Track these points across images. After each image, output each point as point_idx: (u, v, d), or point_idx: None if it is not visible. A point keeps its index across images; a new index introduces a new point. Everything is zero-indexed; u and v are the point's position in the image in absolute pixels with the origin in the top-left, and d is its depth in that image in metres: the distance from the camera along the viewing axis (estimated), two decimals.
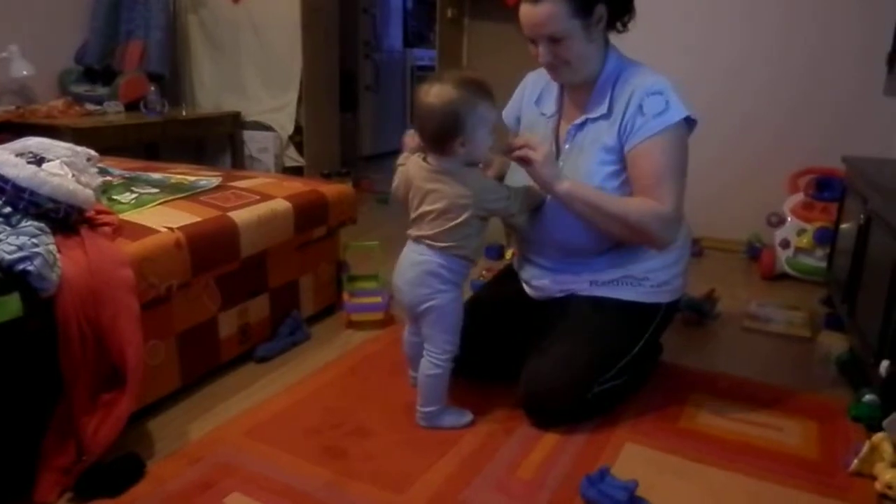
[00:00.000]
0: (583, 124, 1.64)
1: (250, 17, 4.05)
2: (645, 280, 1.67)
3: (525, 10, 1.53)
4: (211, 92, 4.27)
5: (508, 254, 2.76)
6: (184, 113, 3.97)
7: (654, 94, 1.55)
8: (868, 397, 1.66)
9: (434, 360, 1.57)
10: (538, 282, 1.76)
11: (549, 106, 1.75)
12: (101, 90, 3.71)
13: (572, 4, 1.50)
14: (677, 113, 1.53)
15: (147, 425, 1.60)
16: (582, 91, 1.65)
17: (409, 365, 1.75)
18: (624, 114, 1.57)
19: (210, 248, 1.73)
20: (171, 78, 4.08)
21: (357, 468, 1.46)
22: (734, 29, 3.01)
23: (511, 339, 1.77)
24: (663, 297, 1.70)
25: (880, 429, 1.48)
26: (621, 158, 1.59)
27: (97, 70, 3.80)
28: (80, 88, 3.73)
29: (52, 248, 1.37)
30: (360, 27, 5.43)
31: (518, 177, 1.74)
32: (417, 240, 1.56)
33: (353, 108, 5.42)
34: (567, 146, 1.67)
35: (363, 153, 5.61)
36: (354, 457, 1.50)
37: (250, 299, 1.96)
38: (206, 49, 4.23)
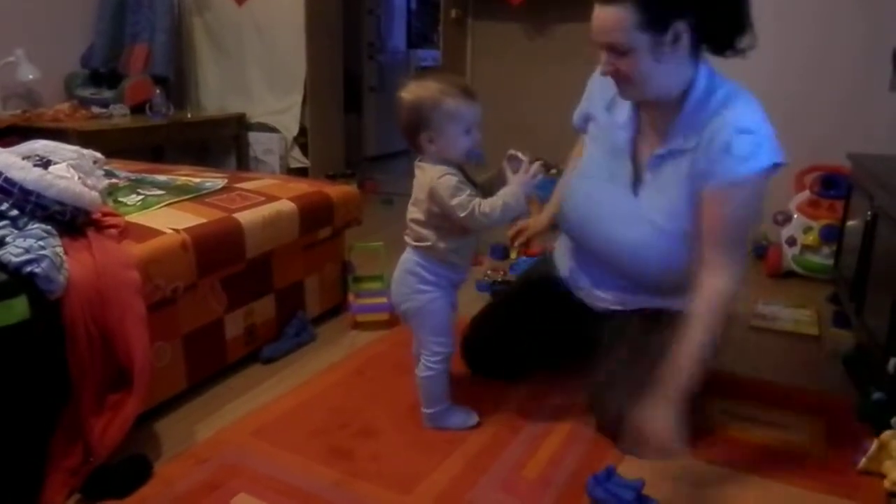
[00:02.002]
0: (666, 155, 1.48)
1: (254, 19, 4.06)
2: None
3: (595, 12, 1.38)
4: (216, 94, 4.29)
5: (513, 254, 2.75)
6: (189, 115, 3.98)
7: (744, 132, 1.36)
8: (876, 395, 1.64)
9: (426, 362, 1.57)
10: (600, 293, 1.68)
11: (623, 116, 1.57)
12: (107, 93, 3.73)
13: (643, 15, 1.31)
14: (766, 158, 1.36)
15: (154, 426, 1.60)
16: (662, 114, 1.48)
17: (416, 365, 1.75)
18: (709, 148, 1.40)
19: (215, 250, 1.73)
20: (176, 81, 4.09)
21: (363, 468, 1.46)
22: None
23: (534, 339, 1.77)
24: None
25: (888, 426, 1.48)
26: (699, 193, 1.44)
27: (103, 73, 3.82)
28: (86, 92, 3.75)
29: (59, 250, 1.37)
30: (364, 28, 5.44)
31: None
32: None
33: (357, 109, 5.43)
34: (649, 176, 1.52)
35: (368, 154, 5.61)
36: (361, 457, 1.50)
37: (256, 300, 1.97)
38: (210, 52, 4.24)
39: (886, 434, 1.44)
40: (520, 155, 1.47)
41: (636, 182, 1.55)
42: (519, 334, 1.78)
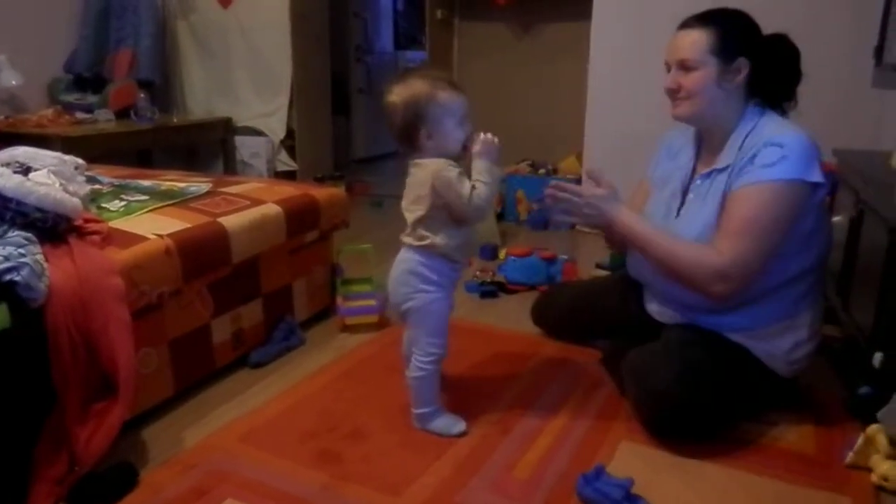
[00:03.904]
0: (709, 174, 1.61)
1: (240, 22, 4.05)
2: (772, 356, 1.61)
3: (676, 33, 1.59)
4: (202, 98, 4.27)
5: (502, 254, 2.75)
6: (175, 119, 3.97)
7: (773, 144, 1.47)
8: (863, 389, 1.65)
9: (418, 363, 1.56)
10: (662, 311, 1.75)
11: (685, 157, 1.73)
12: (92, 98, 3.71)
13: (717, 42, 1.52)
14: (787, 171, 1.44)
15: (141, 433, 1.59)
16: (716, 143, 1.62)
17: (406, 365, 1.75)
18: (742, 162, 1.52)
19: (201, 255, 1.72)
20: (161, 84, 4.08)
21: (353, 471, 1.45)
22: None
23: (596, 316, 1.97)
24: (784, 371, 1.63)
25: (875, 421, 1.48)
26: None
27: (87, 78, 3.79)
28: (70, 97, 3.72)
29: (40, 257, 1.36)
30: (351, 30, 5.43)
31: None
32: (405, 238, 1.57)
33: (345, 111, 5.42)
34: (691, 196, 1.64)
35: (356, 156, 5.60)
36: (350, 460, 1.49)
37: (243, 305, 1.96)
38: (196, 55, 4.23)
39: (873, 428, 1.44)
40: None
41: (681, 207, 1.67)
42: (584, 308, 2.02)
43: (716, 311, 1.58)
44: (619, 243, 1.79)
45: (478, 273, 2.66)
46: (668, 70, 1.60)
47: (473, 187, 1.46)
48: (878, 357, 1.56)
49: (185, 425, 1.64)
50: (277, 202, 2.04)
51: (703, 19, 1.56)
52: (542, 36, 4.01)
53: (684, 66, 1.55)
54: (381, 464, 1.48)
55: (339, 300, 2.26)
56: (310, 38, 4.13)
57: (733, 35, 1.54)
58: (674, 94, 1.59)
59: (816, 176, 1.47)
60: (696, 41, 1.53)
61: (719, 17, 1.56)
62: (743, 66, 1.54)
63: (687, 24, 1.58)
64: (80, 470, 1.34)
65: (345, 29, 5.33)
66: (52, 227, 1.49)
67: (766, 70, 1.56)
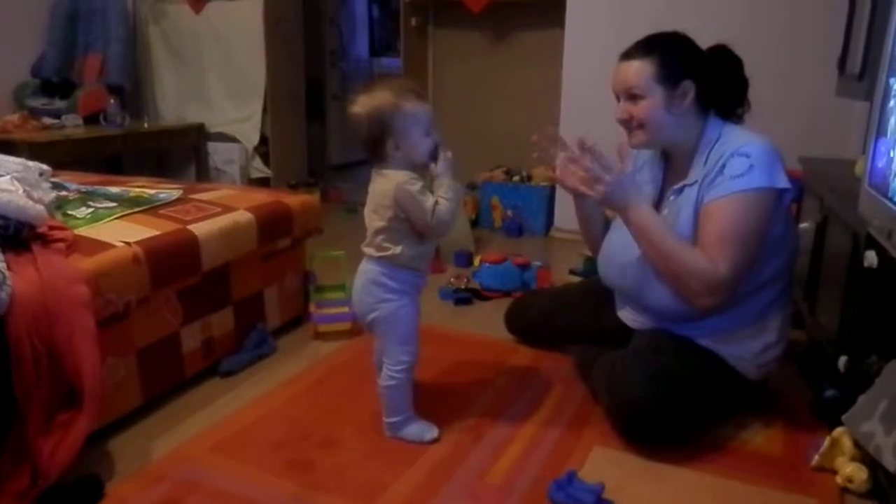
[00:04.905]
0: (680, 190, 1.62)
1: (212, 27, 4.01)
2: (742, 360, 1.64)
3: (617, 65, 1.60)
4: (174, 103, 4.22)
5: (476, 261, 2.76)
6: (146, 125, 3.91)
7: (740, 155, 1.50)
8: (829, 393, 1.68)
9: (389, 372, 1.55)
10: (634, 317, 1.77)
11: (649, 173, 1.74)
12: (59, 103, 3.64)
13: (659, 70, 1.53)
14: (757, 179, 1.47)
15: (107, 445, 1.56)
16: (682, 160, 1.64)
17: (378, 374, 1.74)
18: (712, 173, 1.53)
19: (170, 262, 1.70)
20: (132, 90, 4.02)
21: (325, 481, 1.44)
22: (690, 33, 3.06)
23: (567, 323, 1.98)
24: (753, 374, 1.66)
25: (840, 423, 1.51)
26: None
27: (55, 83, 3.72)
28: (37, 102, 3.65)
29: (2, 266, 1.33)
30: (326, 36, 5.41)
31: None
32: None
33: (320, 117, 5.39)
34: (665, 212, 1.64)
35: (331, 162, 5.57)
36: (322, 469, 1.48)
37: (214, 312, 1.93)
38: (168, 60, 4.18)
39: (838, 430, 1.47)
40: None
41: None
42: (557, 314, 2.02)
43: (688, 318, 1.60)
44: (588, 216, 1.84)
45: (452, 280, 2.66)
46: (618, 100, 1.61)
47: (437, 203, 1.46)
48: (843, 361, 1.59)
49: (153, 436, 1.61)
50: (249, 209, 2.02)
51: (643, 49, 1.57)
52: (516, 44, 4.03)
53: (631, 96, 1.57)
54: (353, 472, 1.47)
55: (311, 307, 2.24)
56: (284, 43, 4.11)
57: (674, 61, 1.56)
58: (626, 124, 1.61)
59: (783, 182, 1.50)
60: (639, 71, 1.55)
61: (658, 46, 1.57)
62: (688, 88, 1.56)
63: (628, 54, 1.59)
64: (43, 483, 1.31)
65: (320, 35, 5.31)
66: (14, 235, 1.46)
67: (713, 84, 1.59)
